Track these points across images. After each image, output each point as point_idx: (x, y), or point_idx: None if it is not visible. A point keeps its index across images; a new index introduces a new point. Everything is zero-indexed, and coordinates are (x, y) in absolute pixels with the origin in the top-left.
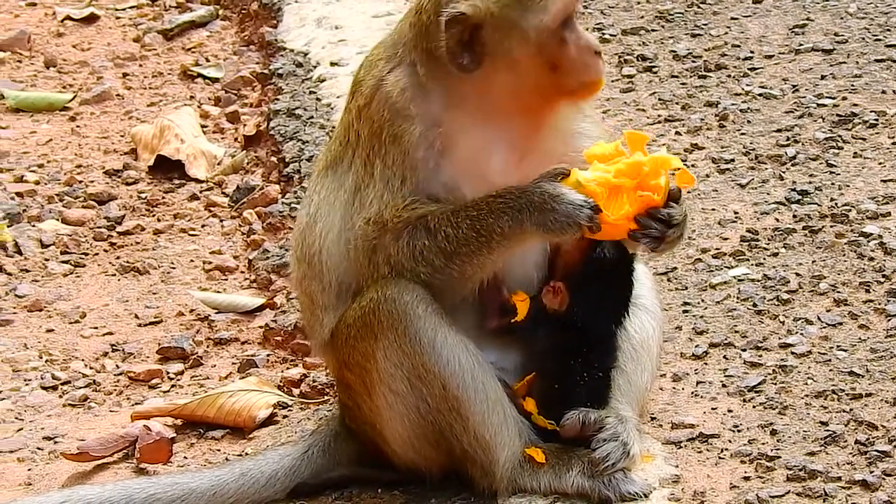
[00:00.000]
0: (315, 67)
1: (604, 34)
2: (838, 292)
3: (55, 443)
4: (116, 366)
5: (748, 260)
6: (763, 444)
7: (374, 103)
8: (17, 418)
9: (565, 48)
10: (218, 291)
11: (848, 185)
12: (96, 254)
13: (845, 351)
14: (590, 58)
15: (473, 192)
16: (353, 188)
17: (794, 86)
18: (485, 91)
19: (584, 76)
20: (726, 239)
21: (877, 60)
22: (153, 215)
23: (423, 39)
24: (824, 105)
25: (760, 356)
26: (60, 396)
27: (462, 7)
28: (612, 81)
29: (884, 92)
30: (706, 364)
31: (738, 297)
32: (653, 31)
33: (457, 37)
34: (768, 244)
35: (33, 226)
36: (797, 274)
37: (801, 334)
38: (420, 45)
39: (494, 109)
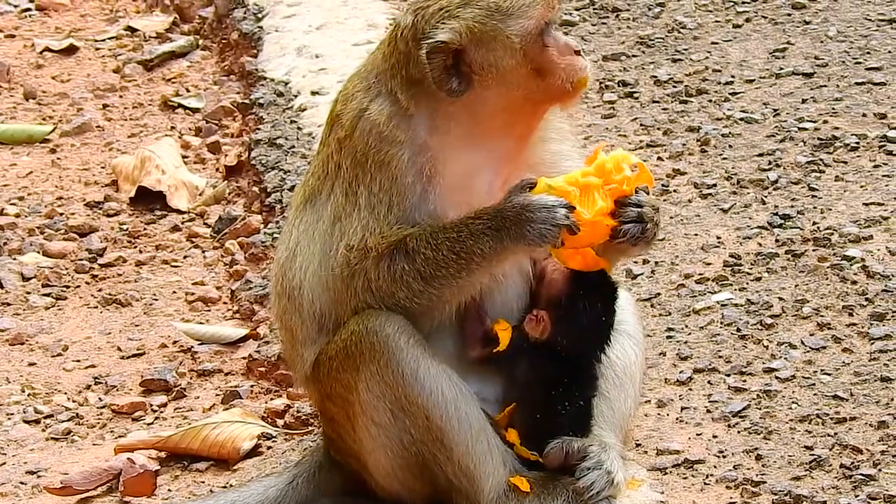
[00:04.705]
0: (296, 97)
1: None
2: (821, 316)
3: (38, 477)
4: (99, 398)
5: (731, 285)
6: (748, 469)
7: (356, 133)
8: None
9: (548, 52)
10: (201, 322)
11: (830, 209)
12: (78, 286)
13: (829, 375)
14: (572, 58)
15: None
16: (333, 218)
17: (775, 110)
18: (474, 110)
19: (570, 76)
20: (709, 264)
21: (857, 83)
22: (135, 247)
23: (403, 68)
24: (805, 129)
25: (745, 381)
26: (43, 430)
27: (441, 35)
28: (594, 107)
29: (864, 115)
30: (691, 390)
31: (721, 322)
32: (634, 56)
33: (441, 65)
34: (751, 269)
35: (14, 259)
36: (780, 298)
37: (785, 359)
38: (399, 74)
39: (482, 128)
